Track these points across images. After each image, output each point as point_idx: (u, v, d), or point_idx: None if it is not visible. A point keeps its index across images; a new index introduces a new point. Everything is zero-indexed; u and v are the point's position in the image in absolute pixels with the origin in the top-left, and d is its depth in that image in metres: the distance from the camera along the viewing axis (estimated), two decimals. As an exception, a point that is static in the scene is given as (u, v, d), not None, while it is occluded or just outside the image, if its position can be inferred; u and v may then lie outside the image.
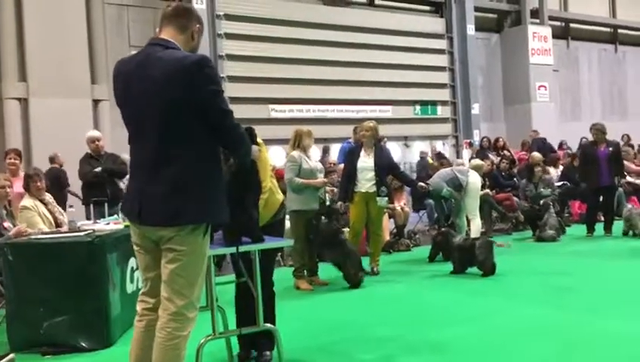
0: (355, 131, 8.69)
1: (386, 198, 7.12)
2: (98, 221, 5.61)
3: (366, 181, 7.00)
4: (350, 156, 7.29)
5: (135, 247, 2.95)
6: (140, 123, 2.80)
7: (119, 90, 2.87)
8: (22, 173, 7.05)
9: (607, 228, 9.41)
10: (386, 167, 7.10)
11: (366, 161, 7.05)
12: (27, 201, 5.91)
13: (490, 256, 6.64)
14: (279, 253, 8.30)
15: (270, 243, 3.75)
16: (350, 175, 7.11)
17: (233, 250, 3.36)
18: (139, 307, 3.00)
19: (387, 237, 8.94)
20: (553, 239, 8.97)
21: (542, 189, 9.54)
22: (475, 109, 16.74)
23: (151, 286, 2.93)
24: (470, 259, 6.73)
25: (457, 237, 7.16)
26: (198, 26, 2.93)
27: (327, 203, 6.74)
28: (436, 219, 9.78)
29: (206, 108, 2.72)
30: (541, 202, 9.41)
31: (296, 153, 6.53)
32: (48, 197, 6.15)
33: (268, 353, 4.02)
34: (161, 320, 2.77)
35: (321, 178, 6.56)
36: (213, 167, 2.83)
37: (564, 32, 19.78)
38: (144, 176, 2.77)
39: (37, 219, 5.78)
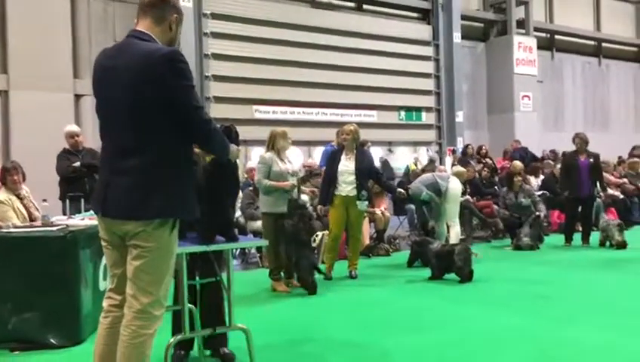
0: (338, 135, 8.68)
1: (367, 202, 7.13)
2: (73, 216, 5.54)
3: (346, 184, 6.99)
4: (331, 159, 7.28)
5: (103, 243, 2.90)
6: (109, 115, 2.77)
7: (94, 82, 2.84)
8: (-1, 167, 6.95)
9: (585, 239, 9.50)
10: (366, 171, 7.09)
11: (347, 165, 7.04)
12: (1, 195, 5.81)
13: (468, 262, 6.66)
14: (259, 254, 8.28)
15: (245, 242, 3.75)
16: (330, 178, 7.09)
17: (204, 248, 3.33)
18: (105, 303, 2.95)
19: (367, 242, 8.94)
20: (530, 248, 9.02)
21: (522, 199, 9.58)
22: (460, 117, 16.78)
23: (118, 282, 2.89)
24: (448, 265, 6.74)
25: (435, 243, 7.16)
26: (175, 16, 2.87)
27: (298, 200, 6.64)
28: (416, 225, 9.79)
29: (175, 103, 2.67)
30: (531, 212, 9.40)
31: (267, 154, 6.50)
32: (25, 191, 6.05)
33: (227, 350, 4.03)
34: (126, 318, 2.73)
35: (292, 181, 6.49)
36: (181, 163, 2.78)
37: (549, 43, 19.94)
38: (111, 167, 2.72)
39: (10, 213, 5.68)
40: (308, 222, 6.39)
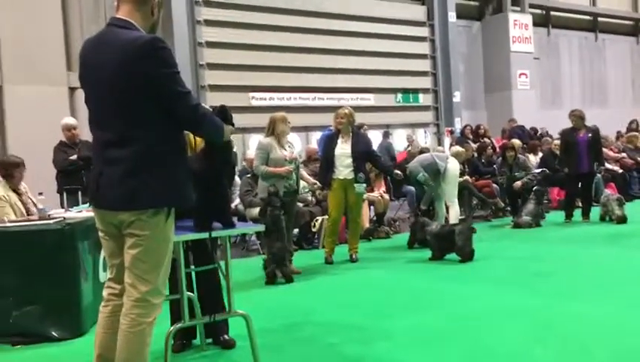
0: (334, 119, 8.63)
1: (364, 185, 7.11)
2: (70, 209, 5.52)
3: (344, 168, 6.97)
4: (328, 143, 7.25)
5: (100, 233, 2.89)
6: (97, 105, 2.75)
7: (80, 74, 2.82)
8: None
9: (585, 214, 9.49)
10: (363, 154, 7.07)
11: (343, 148, 7.02)
12: None
13: (468, 242, 6.65)
14: (259, 242, 8.27)
15: (242, 228, 3.73)
16: (328, 162, 7.07)
17: (204, 235, 3.31)
18: (105, 292, 2.95)
19: (367, 225, 8.94)
20: (529, 226, 9.02)
21: (516, 173, 9.56)
22: (457, 97, 16.73)
23: (117, 272, 2.89)
24: (449, 245, 6.74)
25: (434, 224, 7.14)
26: (157, 0, 2.84)
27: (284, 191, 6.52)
28: (415, 206, 9.78)
29: (160, 91, 2.64)
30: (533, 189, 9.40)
31: (266, 140, 6.47)
32: (23, 187, 6.03)
33: (228, 336, 4.06)
34: (125, 307, 2.73)
35: (289, 167, 6.45)
36: (172, 150, 2.76)
37: (545, 19, 19.82)
38: (102, 158, 2.70)
39: (8, 210, 5.65)
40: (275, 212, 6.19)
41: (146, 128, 2.66)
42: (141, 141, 2.65)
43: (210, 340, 4.10)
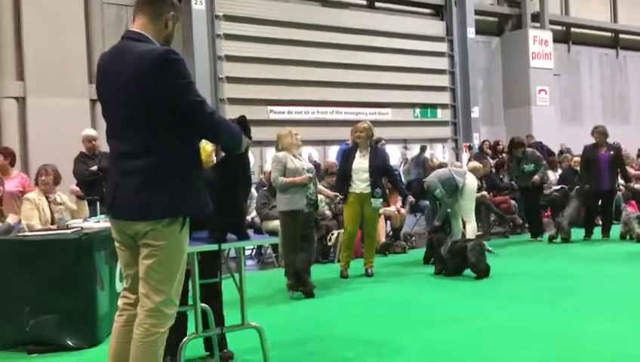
0: (352, 132, 8.63)
1: (381, 199, 7.09)
2: (88, 219, 5.58)
3: (360, 182, 6.96)
4: (345, 157, 7.26)
5: (115, 244, 2.91)
6: (114, 118, 2.79)
7: (97, 87, 2.87)
8: (15, 172, 7.03)
9: (605, 232, 9.36)
10: (380, 169, 7.06)
11: (361, 162, 7.01)
12: (31, 194, 6.01)
13: (481, 258, 6.58)
14: (274, 254, 8.28)
15: (256, 240, 3.73)
16: (345, 176, 7.07)
17: (216, 247, 3.31)
18: (120, 302, 2.96)
19: (383, 239, 8.90)
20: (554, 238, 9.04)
21: (525, 166, 9.33)
22: (475, 112, 16.67)
23: (132, 282, 2.90)
24: (462, 261, 6.69)
25: (448, 241, 7.06)
26: (172, 13, 2.86)
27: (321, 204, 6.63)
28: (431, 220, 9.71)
29: (175, 101, 2.67)
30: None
31: (281, 153, 6.49)
32: (57, 196, 6.16)
33: (225, 349, 4.08)
34: (138, 317, 2.74)
35: (307, 175, 6.42)
36: (187, 161, 2.78)
37: (565, 36, 19.72)
38: (119, 169, 2.73)
39: (34, 213, 5.81)
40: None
41: (161, 139, 2.68)
42: (157, 152, 2.67)
43: (207, 353, 4.10)
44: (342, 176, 7.18)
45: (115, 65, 2.73)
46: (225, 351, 4.08)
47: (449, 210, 8.38)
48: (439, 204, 8.47)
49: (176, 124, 2.70)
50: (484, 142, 14.28)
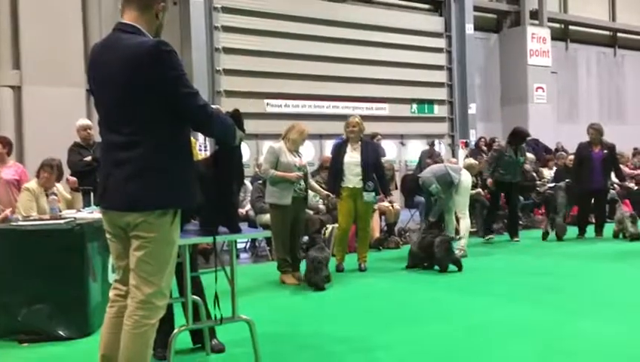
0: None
1: (373, 193, 7.09)
2: (81, 209, 5.58)
3: (353, 176, 6.96)
4: (337, 152, 7.23)
5: (107, 235, 2.93)
6: (105, 109, 2.80)
7: (89, 79, 2.88)
8: (11, 162, 7.03)
9: (598, 231, 9.41)
10: (373, 163, 7.06)
11: (353, 156, 7.01)
12: (31, 184, 6.05)
13: (446, 253, 6.79)
14: (268, 248, 8.29)
15: (248, 233, 3.74)
16: (337, 171, 7.05)
17: (209, 239, 3.33)
18: (111, 293, 2.98)
19: (377, 234, 8.93)
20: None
21: (520, 157, 9.24)
22: (472, 109, 16.65)
23: (123, 273, 2.91)
24: (429, 256, 6.89)
25: (414, 234, 7.33)
26: (162, 4, 2.86)
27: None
28: (426, 215, 9.71)
29: (167, 93, 2.67)
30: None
31: (277, 145, 6.50)
32: (55, 190, 6.17)
33: (216, 341, 4.09)
34: (129, 308, 2.76)
35: (298, 173, 6.46)
36: (178, 152, 2.79)
37: (564, 34, 19.71)
38: (110, 160, 2.74)
39: (32, 204, 5.82)
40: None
41: (152, 131, 2.69)
42: (148, 143, 2.68)
43: (199, 345, 4.11)
44: (334, 171, 7.16)
45: (108, 58, 2.74)
46: (215, 342, 4.09)
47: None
48: (435, 200, 8.47)
49: (168, 116, 2.71)
50: (480, 138, 14.31)
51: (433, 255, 6.82)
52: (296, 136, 6.53)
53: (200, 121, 2.81)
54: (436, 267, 6.88)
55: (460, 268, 6.78)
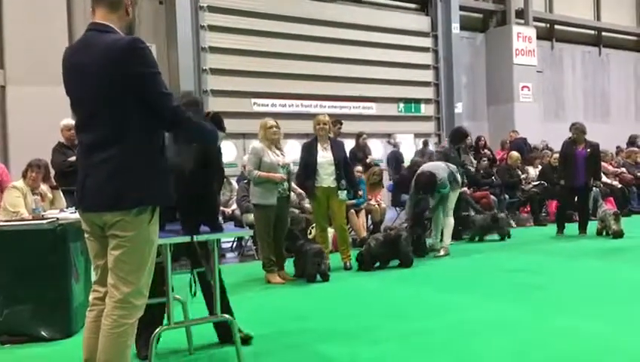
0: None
1: (346, 191, 7.08)
2: (65, 209, 5.56)
3: (327, 175, 6.93)
4: (307, 151, 7.12)
5: (85, 234, 2.92)
6: (81, 109, 2.80)
7: (64, 80, 2.87)
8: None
9: (582, 228, 9.49)
10: (343, 161, 7.06)
11: (325, 155, 6.97)
12: (20, 183, 6.05)
13: (410, 248, 7.13)
14: (254, 247, 8.29)
15: (229, 232, 3.75)
16: (310, 170, 6.96)
17: (188, 238, 3.33)
18: (90, 297, 2.97)
19: (364, 233, 8.94)
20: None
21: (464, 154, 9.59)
22: (459, 108, 16.72)
23: (101, 274, 2.91)
24: (395, 251, 7.06)
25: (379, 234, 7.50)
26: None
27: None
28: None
29: (141, 91, 2.68)
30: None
31: (259, 145, 6.51)
32: (41, 190, 6.17)
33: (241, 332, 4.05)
34: (107, 308, 2.75)
35: (282, 173, 6.48)
36: (154, 150, 2.79)
37: (549, 33, 19.83)
38: (87, 161, 2.74)
39: (20, 201, 5.81)
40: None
41: (128, 130, 2.69)
42: (124, 142, 2.69)
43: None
44: (308, 170, 7.01)
45: (81, 58, 2.74)
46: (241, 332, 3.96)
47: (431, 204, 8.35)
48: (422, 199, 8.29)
49: (143, 115, 2.71)
50: (479, 138, 14.31)
51: (399, 249, 7.03)
52: (262, 132, 6.57)
53: (170, 122, 2.81)
54: (445, 266, 7.09)
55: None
